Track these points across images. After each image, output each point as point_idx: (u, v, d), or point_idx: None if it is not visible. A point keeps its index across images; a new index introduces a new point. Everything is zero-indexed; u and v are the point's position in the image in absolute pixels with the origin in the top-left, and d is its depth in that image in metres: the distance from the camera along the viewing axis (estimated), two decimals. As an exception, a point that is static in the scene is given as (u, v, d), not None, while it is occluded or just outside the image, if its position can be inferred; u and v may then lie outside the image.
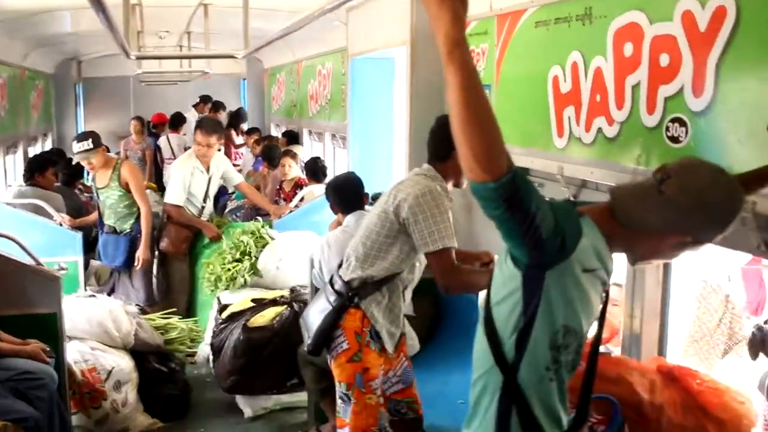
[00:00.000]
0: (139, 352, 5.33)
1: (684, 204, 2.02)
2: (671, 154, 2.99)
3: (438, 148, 3.62)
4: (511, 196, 1.80)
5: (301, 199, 7.27)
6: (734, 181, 2.13)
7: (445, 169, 3.63)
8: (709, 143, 2.83)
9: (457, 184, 3.73)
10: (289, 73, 10.81)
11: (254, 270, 6.07)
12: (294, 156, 8.16)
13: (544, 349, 2.01)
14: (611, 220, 2.08)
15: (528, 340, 2.01)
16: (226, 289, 6.06)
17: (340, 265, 3.92)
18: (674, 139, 2.99)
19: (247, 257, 6.09)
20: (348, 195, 4.79)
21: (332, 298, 3.75)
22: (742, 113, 2.67)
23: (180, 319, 5.90)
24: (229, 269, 6.08)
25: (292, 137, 9.89)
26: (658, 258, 2.19)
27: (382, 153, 6.84)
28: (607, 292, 2.16)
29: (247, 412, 5.49)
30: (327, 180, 6.46)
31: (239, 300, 5.70)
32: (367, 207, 4.88)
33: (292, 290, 5.65)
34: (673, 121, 2.99)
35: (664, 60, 3.02)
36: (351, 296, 3.70)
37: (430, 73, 5.19)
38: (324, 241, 4.75)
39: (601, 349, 3.23)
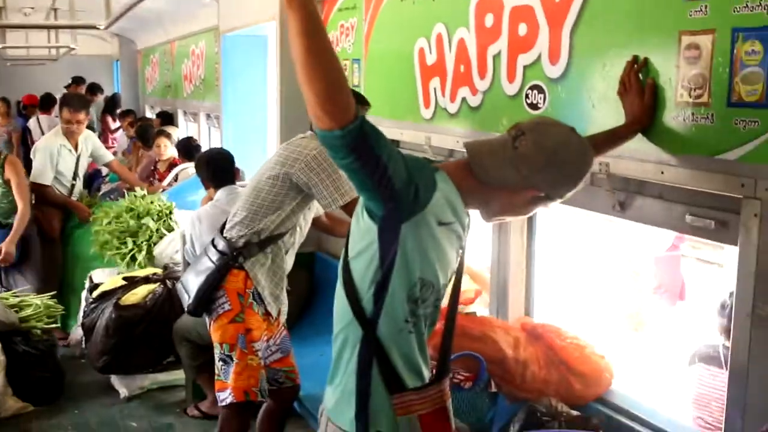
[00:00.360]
0: (4, 334, 5.15)
1: (537, 160, 2.08)
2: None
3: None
4: (360, 144, 1.81)
5: (176, 179, 7.15)
6: (585, 141, 2.22)
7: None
8: (565, 108, 2.95)
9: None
10: (162, 53, 10.59)
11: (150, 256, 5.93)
12: (168, 136, 8.00)
13: (402, 301, 2.03)
14: (467, 175, 2.12)
15: (386, 293, 2.02)
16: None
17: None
18: (533, 106, 3.10)
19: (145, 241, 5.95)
20: (219, 169, 4.75)
21: (215, 257, 3.69)
22: (594, 79, 2.80)
23: (35, 296, 5.72)
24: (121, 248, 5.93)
25: (167, 118, 9.71)
26: (512, 213, 2.22)
27: (257, 131, 6.81)
28: (463, 248, 2.21)
29: (123, 392, 5.37)
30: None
31: (111, 279, 5.57)
32: (238, 183, 4.87)
33: (165, 267, 5.57)
34: (532, 88, 3.10)
35: (523, 30, 3.13)
36: (235, 256, 3.65)
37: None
38: (195, 216, 4.70)
39: (468, 309, 3.35)
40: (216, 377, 3.76)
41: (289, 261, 3.83)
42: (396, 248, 1.98)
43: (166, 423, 4.98)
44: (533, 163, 2.08)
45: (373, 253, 2.02)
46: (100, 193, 8.40)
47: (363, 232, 2.05)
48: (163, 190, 6.81)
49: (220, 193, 4.64)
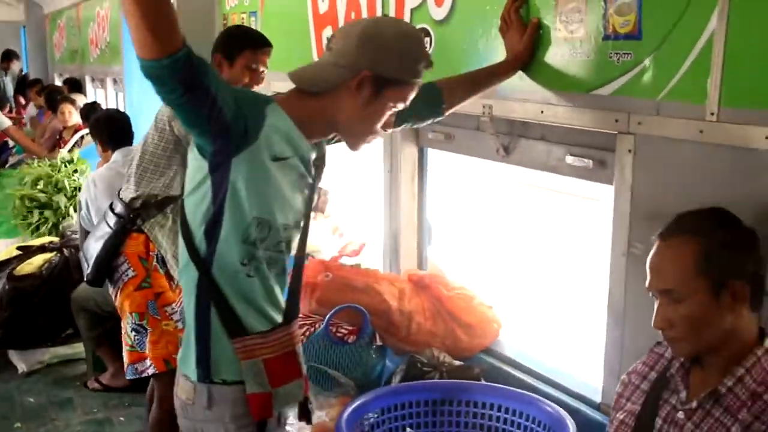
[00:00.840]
0: None
1: (349, 44, 1.94)
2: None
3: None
4: (188, 75, 1.69)
5: (78, 144, 6.90)
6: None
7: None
8: (450, 51, 2.86)
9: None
10: (69, 18, 10.22)
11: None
12: (73, 102, 7.72)
13: (236, 242, 1.92)
14: (301, 98, 1.99)
15: (218, 232, 1.92)
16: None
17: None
18: (420, 51, 3.00)
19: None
20: (116, 129, 4.58)
21: (112, 221, 3.47)
22: (478, 21, 2.71)
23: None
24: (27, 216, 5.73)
25: (74, 85, 9.37)
26: (367, 121, 2.00)
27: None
28: (311, 189, 2.08)
29: (21, 367, 5.16)
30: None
31: (4, 249, 5.35)
32: (135, 145, 4.70)
33: (62, 235, 5.36)
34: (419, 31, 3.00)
35: (410, -28, 3.03)
36: (132, 219, 3.43)
37: (197, 1, 5.01)
38: (90, 179, 4.51)
39: (353, 261, 3.25)
40: (130, 348, 3.53)
41: None
42: (227, 185, 1.88)
43: (66, 397, 4.78)
44: (347, 48, 1.94)
45: (205, 191, 1.91)
46: (8, 165, 8.14)
47: (195, 170, 1.94)
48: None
49: (117, 155, 4.48)
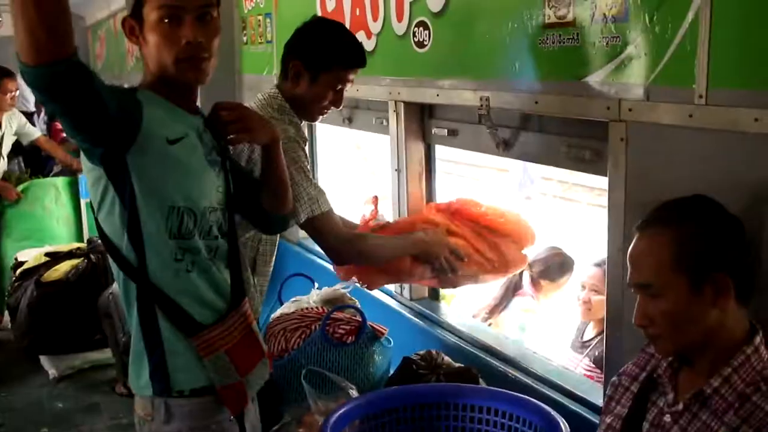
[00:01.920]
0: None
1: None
2: (418, 60, 2.94)
3: (282, 60, 2.74)
4: (79, 78, 1.61)
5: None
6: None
7: (288, 91, 2.69)
8: (446, 44, 2.78)
9: (306, 116, 2.75)
10: (108, 29, 10.33)
11: None
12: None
13: (163, 240, 1.86)
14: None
15: (141, 234, 1.85)
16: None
17: None
18: (420, 44, 2.93)
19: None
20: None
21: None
22: (475, 10, 2.62)
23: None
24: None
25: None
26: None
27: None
28: (220, 159, 2.02)
29: (52, 372, 5.19)
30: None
31: (34, 256, 5.39)
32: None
33: (89, 241, 5.39)
34: (418, 25, 2.93)
35: (408, -36, 2.96)
36: None
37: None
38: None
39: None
40: None
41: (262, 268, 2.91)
42: (130, 183, 1.81)
43: (92, 402, 4.78)
44: None
45: (112, 199, 1.85)
46: (52, 173, 8.23)
47: (94, 182, 1.87)
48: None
49: None
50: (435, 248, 2.72)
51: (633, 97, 2.00)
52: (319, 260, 3.85)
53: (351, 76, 2.62)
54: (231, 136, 2.06)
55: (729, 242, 1.60)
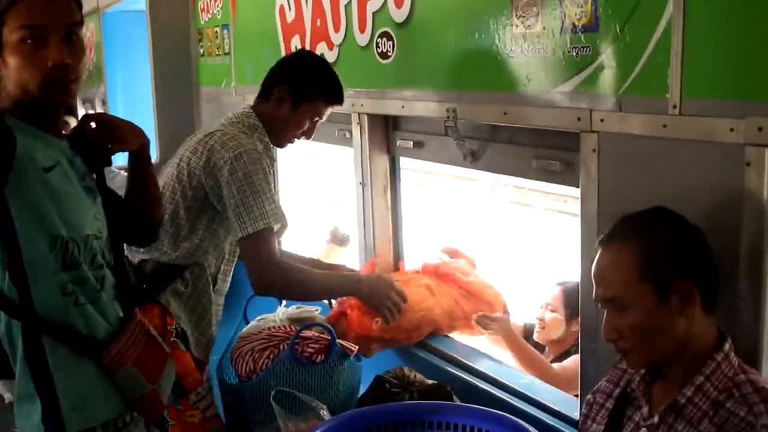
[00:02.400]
0: None
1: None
2: (382, 71, 2.90)
3: (265, 84, 2.78)
4: None
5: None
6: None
7: (265, 114, 2.72)
8: (411, 54, 2.74)
9: (277, 141, 2.78)
10: (60, 41, 10.15)
11: None
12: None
13: (50, 271, 1.79)
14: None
15: (23, 270, 1.78)
16: None
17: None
18: (384, 55, 2.89)
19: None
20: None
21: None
22: (438, 21, 2.59)
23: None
24: None
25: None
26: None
27: (147, 112, 6.50)
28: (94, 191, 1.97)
29: (8, 396, 5.04)
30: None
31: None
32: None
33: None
34: (382, 36, 2.89)
35: (370, -26, 2.91)
36: (145, 287, 2.66)
37: (172, 17, 4.92)
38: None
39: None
40: None
41: (222, 286, 2.84)
42: (10, 218, 1.74)
43: (52, 424, 4.67)
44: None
45: None
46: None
47: None
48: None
49: None
50: (380, 289, 2.75)
51: (605, 107, 1.98)
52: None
53: (328, 111, 2.76)
54: (108, 146, 2.03)
55: (690, 250, 1.60)
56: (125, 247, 2.53)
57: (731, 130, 1.66)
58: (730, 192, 1.70)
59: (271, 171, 2.66)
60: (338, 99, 2.76)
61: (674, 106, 1.78)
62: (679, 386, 1.59)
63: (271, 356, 2.60)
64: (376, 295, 2.73)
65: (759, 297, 1.66)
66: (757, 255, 1.65)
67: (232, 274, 2.81)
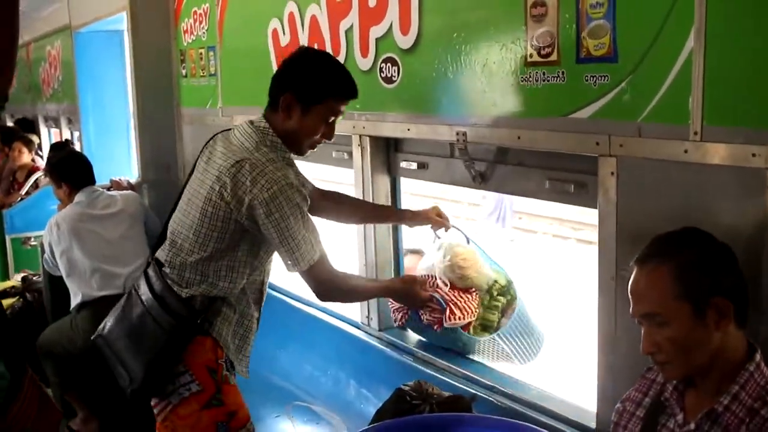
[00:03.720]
0: None
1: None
2: (386, 95, 2.99)
3: (271, 93, 2.64)
4: None
5: (36, 186, 6.78)
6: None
7: (278, 124, 2.60)
8: (419, 79, 2.84)
9: (296, 150, 2.67)
10: (19, 58, 10.04)
11: None
12: (28, 142, 7.63)
13: None
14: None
15: None
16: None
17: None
18: (388, 80, 2.98)
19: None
20: (76, 169, 4.54)
21: (162, 319, 2.59)
22: (446, 47, 2.69)
23: None
24: None
25: (27, 125, 9.22)
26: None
27: (119, 132, 6.51)
28: None
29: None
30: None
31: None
32: (98, 185, 4.63)
33: (24, 279, 5.24)
34: (386, 61, 2.98)
35: (372, 1, 3.00)
36: (196, 319, 2.59)
37: (154, 38, 4.95)
38: (53, 222, 4.46)
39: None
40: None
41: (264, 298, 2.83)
42: None
43: (35, 446, 4.64)
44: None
45: None
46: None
47: None
48: (21, 199, 6.45)
49: (81, 195, 4.46)
50: (412, 291, 2.89)
51: (624, 133, 2.09)
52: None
53: (342, 107, 2.59)
54: None
55: (725, 268, 1.71)
56: (171, 283, 2.59)
57: (753, 155, 1.79)
58: (752, 214, 1.82)
59: (304, 197, 2.54)
60: (348, 92, 2.59)
61: (695, 133, 1.91)
62: (712, 395, 1.71)
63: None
64: (411, 296, 2.89)
65: (781, 311, 1.79)
66: (779, 272, 1.78)
67: None
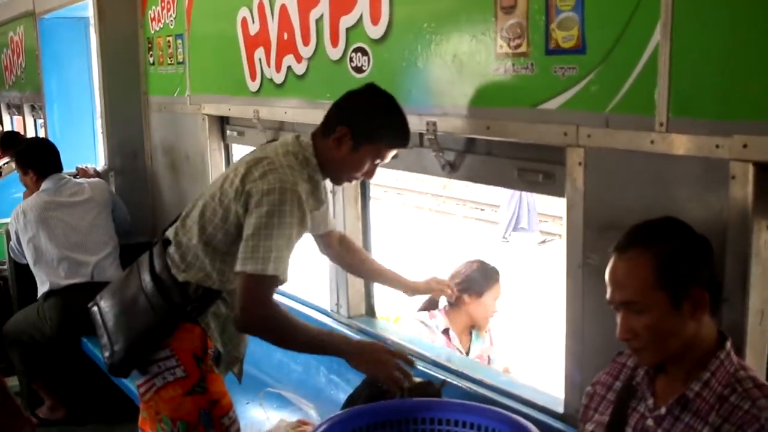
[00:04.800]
0: None
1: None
2: (356, 84, 2.99)
3: (328, 118, 2.61)
4: None
5: (-1, 174, 6.72)
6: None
7: (324, 149, 2.57)
8: (389, 69, 2.86)
9: (333, 179, 2.68)
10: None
11: None
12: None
13: None
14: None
15: None
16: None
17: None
18: (358, 69, 3.00)
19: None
20: (43, 157, 4.53)
21: (154, 299, 2.59)
22: (416, 38, 2.71)
23: None
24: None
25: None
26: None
27: (84, 120, 6.46)
28: None
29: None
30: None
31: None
32: (65, 172, 4.61)
33: (-9, 266, 5.20)
34: (356, 51, 3.00)
35: (343, -9, 3.02)
36: (189, 307, 2.59)
37: (121, 25, 4.93)
38: (20, 209, 4.45)
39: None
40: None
41: None
42: None
43: (0, 434, 4.62)
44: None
45: None
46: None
47: None
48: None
49: (48, 182, 4.46)
50: (375, 356, 2.54)
51: (591, 123, 2.13)
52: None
53: (391, 154, 2.58)
54: None
55: (703, 259, 1.75)
56: (171, 264, 2.57)
57: (717, 146, 1.84)
58: (715, 204, 1.87)
59: (312, 214, 2.52)
60: (402, 142, 2.56)
61: (661, 124, 1.95)
62: (682, 381, 1.76)
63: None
64: (372, 362, 2.52)
65: (744, 299, 1.84)
66: (741, 261, 1.83)
67: None
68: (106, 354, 2.68)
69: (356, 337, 2.96)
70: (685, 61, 1.90)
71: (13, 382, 4.91)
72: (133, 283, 2.69)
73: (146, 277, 2.63)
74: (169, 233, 2.67)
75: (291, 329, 2.45)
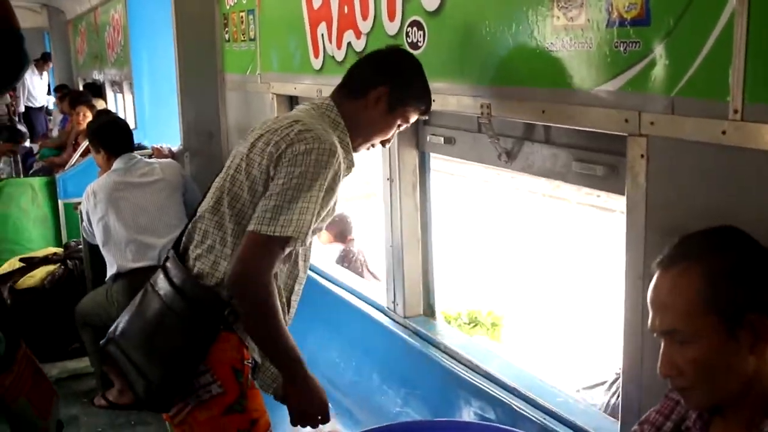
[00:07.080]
0: None
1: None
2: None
3: (359, 79, 2.40)
4: None
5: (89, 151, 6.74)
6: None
7: (353, 111, 2.36)
8: (443, 45, 2.57)
9: (355, 144, 2.40)
10: (88, 23, 10.08)
11: None
12: (91, 106, 7.59)
13: None
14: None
15: None
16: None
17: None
18: (414, 45, 2.72)
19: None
20: (115, 136, 4.44)
21: (185, 313, 2.26)
22: (472, 8, 2.41)
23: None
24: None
25: (94, 89, 9.23)
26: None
27: (171, 98, 6.40)
28: None
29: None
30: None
31: (8, 261, 5.18)
32: (137, 153, 4.50)
33: (66, 246, 5.18)
34: (412, 25, 2.72)
35: (400, -40, 2.74)
36: (224, 315, 2.26)
37: (197, 0, 4.78)
38: (90, 189, 4.36)
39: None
40: None
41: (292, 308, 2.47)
42: None
43: (71, 415, 4.57)
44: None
45: None
46: (31, 171, 8.08)
47: None
48: (75, 163, 6.41)
49: (119, 162, 4.35)
50: (315, 396, 2.28)
51: (655, 109, 1.79)
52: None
53: (414, 119, 2.43)
54: None
55: (765, 278, 1.40)
56: (194, 270, 2.29)
57: (802, 140, 1.48)
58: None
59: (336, 179, 2.22)
60: (429, 106, 2.42)
61: (735, 111, 1.60)
62: (742, 429, 1.42)
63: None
64: (308, 399, 2.27)
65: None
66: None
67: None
68: (140, 389, 2.30)
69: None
70: (765, 35, 1.53)
71: (84, 363, 4.89)
72: (151, 306, 2.35)
73: (168, 293, 2.31)
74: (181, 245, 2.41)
75: (274, 312, 2.15)
